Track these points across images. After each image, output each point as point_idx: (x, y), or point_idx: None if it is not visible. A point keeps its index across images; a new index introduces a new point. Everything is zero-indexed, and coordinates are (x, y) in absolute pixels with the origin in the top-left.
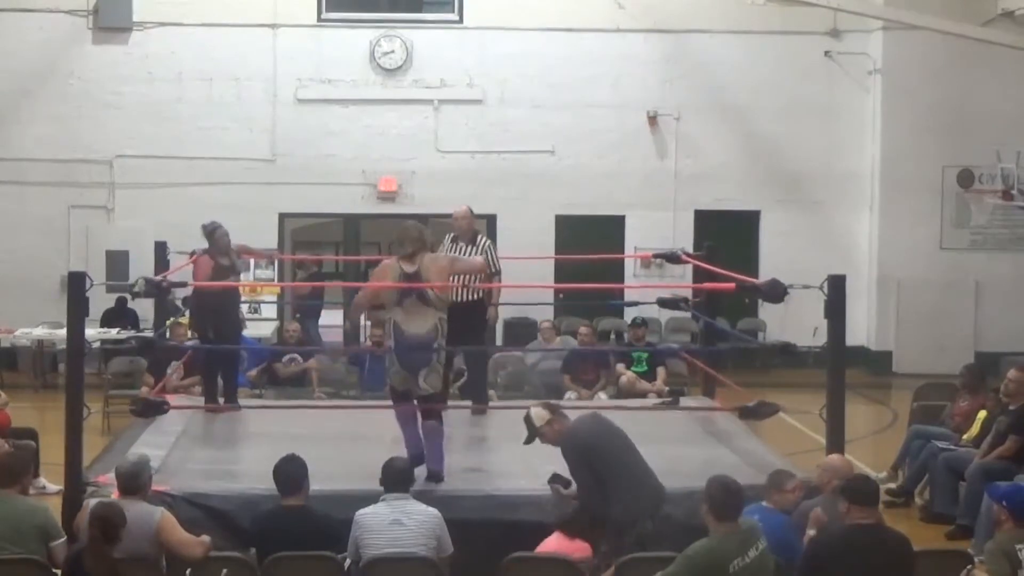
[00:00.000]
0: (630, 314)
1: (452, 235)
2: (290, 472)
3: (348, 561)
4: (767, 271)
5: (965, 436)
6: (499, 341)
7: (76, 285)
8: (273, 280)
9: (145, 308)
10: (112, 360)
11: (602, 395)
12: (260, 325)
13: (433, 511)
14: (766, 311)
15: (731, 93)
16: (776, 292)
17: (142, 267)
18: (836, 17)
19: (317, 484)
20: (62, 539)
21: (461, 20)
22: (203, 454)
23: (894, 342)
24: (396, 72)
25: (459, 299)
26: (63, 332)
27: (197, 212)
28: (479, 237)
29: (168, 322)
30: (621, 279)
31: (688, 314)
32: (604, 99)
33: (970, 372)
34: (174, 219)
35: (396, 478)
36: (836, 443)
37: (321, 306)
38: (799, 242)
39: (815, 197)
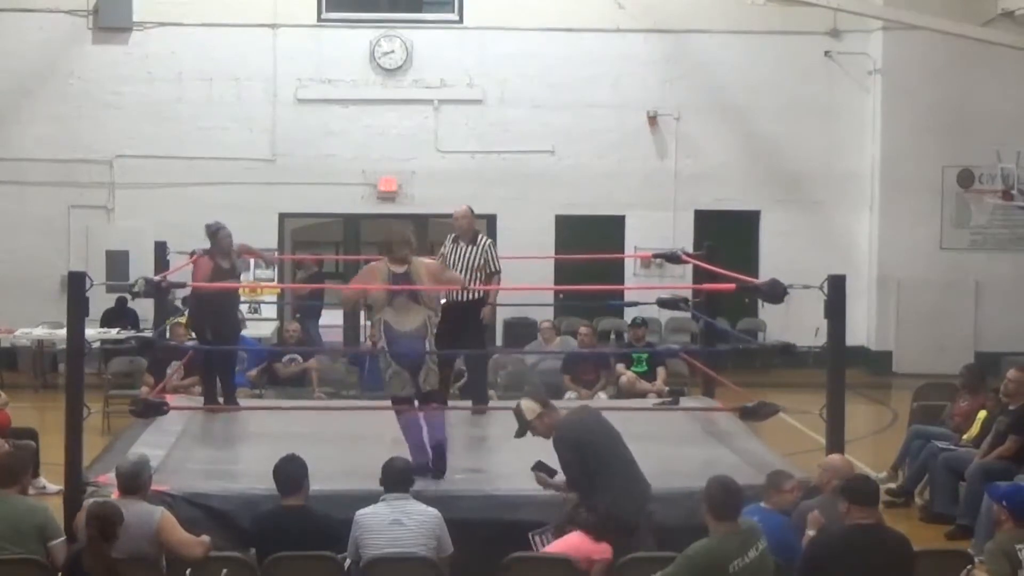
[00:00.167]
0: (630, 314)
1: (453, 235)
2: (290, 472)
3: (348, 561)
4: (767, 271)
5: (965, 436)
6: (499, 341)
7: (76, 285)
8: (273, 280)
9: (145, 308)
10: (112, 360)
11: (602, 395)
12: (260, 325)
13: (433, 511)
14: (766, 311)
15: (731, 93)
16: (776, 292)
17: (142, 267)
18: (836, 17)
19: (317, 484)
20: (62, 539)
21: (461, 20)
22: (203, 454)
23: (894, 342)
24: (396, 72)
25: (459, 299)
26: (63, 332)
27: (197, 212)
28: (480, 237)
29: (168, 322)
30: (621, 279)
31: (688, 314)
32: (604, 99)
33: (970, 372)
34: (174, 219)
35: (396, 478)
36: (836, 443)
37: (321, 306)
38: (799, 242)
39: (815, 197)
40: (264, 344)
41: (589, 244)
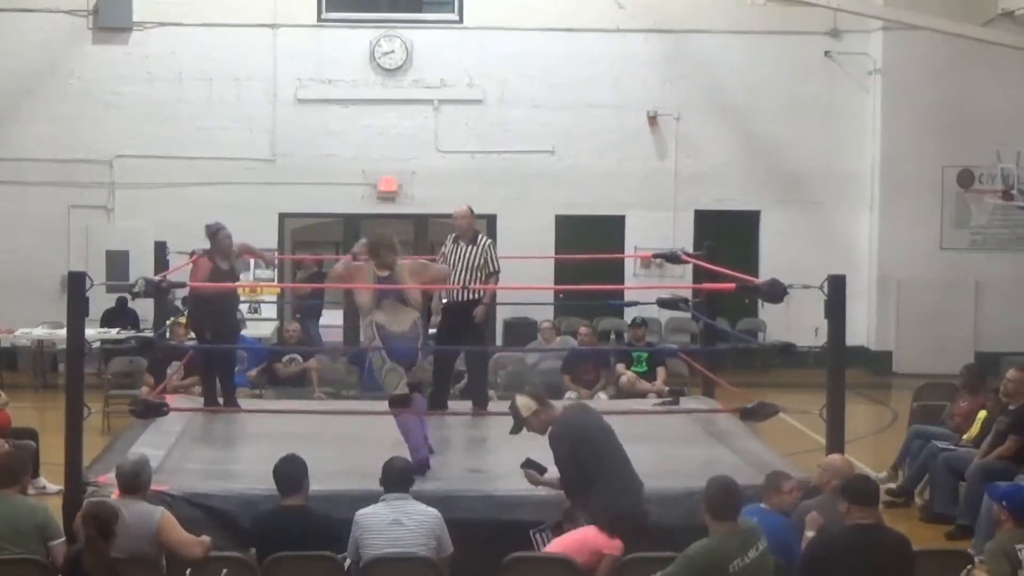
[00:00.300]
0: (630, 314)
1: (453, 235)
2: (290, 472)
3: (348, 561)
4: (767, 271)
5: (965, 436)
6: (499, 341)
7: (76, 285)
8: (273, 280)
9: (145, 308)
10: (112, 360)
11: (602, 395)
12: (260, 325)
13: (433, 511)
14: (766, 311)
15: (731, 93)
16: (776, 292)
17: (142, 267)
18: (836, 17)
19: (317, 484)
20: (61, 539)
21: (461, 20)
22: (203, 454)
23: (894, 342)
24: (396, 72)
25: (458, 299)
26: (63, 332)
27: (197, 212)
28: (480, 237)
29: (168, 322)
30: (621, 279)
31: (688, 314)
32: (604, 99)
33: (970, 372)
34: (174, 219)
35: (396, 478)
36: (836, 443)
37: (321, 306)
38: (799, 242)
39: (815, 197)
40: (264, 344)
41: (589, 244)
